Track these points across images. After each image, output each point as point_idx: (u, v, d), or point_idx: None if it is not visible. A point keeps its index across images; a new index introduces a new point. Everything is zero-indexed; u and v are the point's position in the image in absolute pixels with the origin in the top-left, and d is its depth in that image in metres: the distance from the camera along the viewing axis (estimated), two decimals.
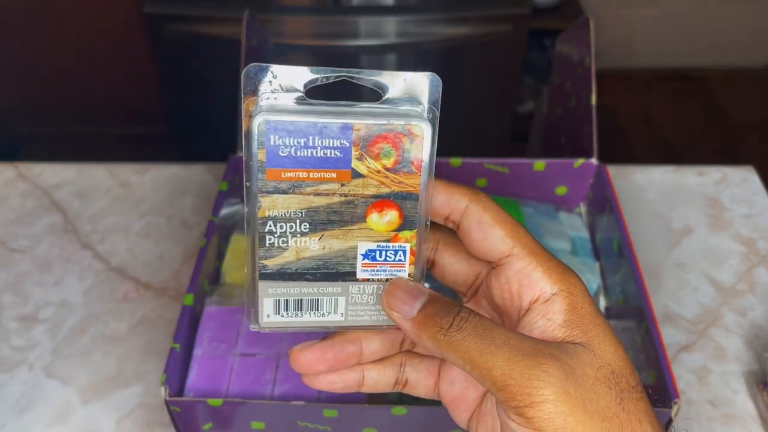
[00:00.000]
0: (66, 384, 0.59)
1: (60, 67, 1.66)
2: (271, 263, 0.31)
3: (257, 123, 0.28)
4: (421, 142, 0.30)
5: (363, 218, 0.31)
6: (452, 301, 0.30)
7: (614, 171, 0.73)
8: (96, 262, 0.70)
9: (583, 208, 0.70)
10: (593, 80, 0.65)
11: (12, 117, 1.76)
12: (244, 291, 0.32)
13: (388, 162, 0.30)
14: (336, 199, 0.30)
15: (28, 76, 1.69)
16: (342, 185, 0.30)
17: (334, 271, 0.31)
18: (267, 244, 0.31)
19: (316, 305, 0.32)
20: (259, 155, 0.29)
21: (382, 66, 1.40)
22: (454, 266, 0.33)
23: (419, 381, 0.34)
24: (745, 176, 0.80)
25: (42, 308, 0.65)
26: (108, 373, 0.60)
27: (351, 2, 1.34)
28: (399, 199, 0.30)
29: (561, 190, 0.69)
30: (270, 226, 0.30)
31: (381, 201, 0.30)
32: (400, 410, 0.46)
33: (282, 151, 0.29)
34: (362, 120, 0.29)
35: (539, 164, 0.67)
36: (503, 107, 1.56)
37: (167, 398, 0.47)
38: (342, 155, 0.29)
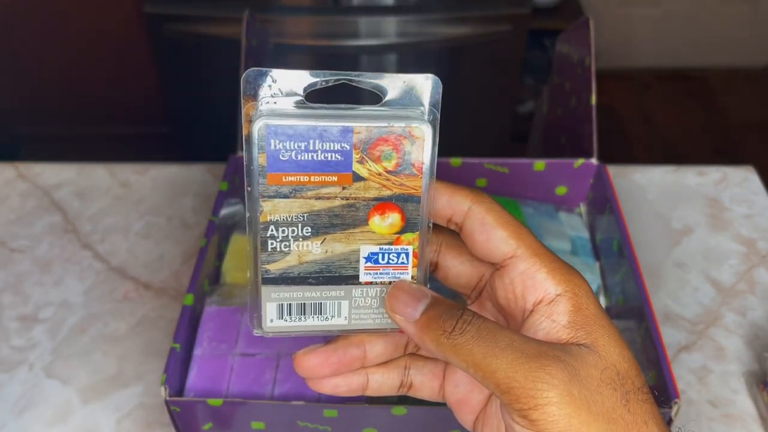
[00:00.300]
0: (66, 384, 0.59)
1: (60, 67, 1.66)
2: (274, 268, 0.31)
3: (257, 127, 0.28)
4: (422, 144, 0.29)
5: (365, 221, 0.30)
6: (455, 303, 0.30)
7: (614, 171, 0.73)
8: (96, 262, 0.70)
9: (583, 208, 0.70)
10: (593, 80, 0.65)
11: (12, 117, 1.76)
12: (246, 295, 0.32)
13: (389, 164, 0.30)
14: (337, 202, 0.30)
15: (28, 76, 1.69)
16: (343, 188, 0.30)
17: (337, 275, 0.31)
18: (269, 249, 0.30)
19: (319, 309, 0.32)
20: (260, 160, 0.29)
21: (382, 66, 1.40)
22: (457, 268, 0.33)
23: (424, 384, 0.34)
24: (745, 176, 0.80)
25: (42, 308, 0.65)
26: (108, 373, 0.60)
27: (351, 2, 1.34)
28: (401, 202, 0.30)
29: (561, 190, 0.69)
30: (272, 230, 0.30)
31: (383, 204, 0.30)
32: (400, 410, 0.46)
33: (283, 156, 0.29)
34: (362, 123, 0.29)
35: (539, 164, 0.67)
36: (503, 107, 1.56)
37: (167, 398, 0.47)
38: (343, 158, 0.29)
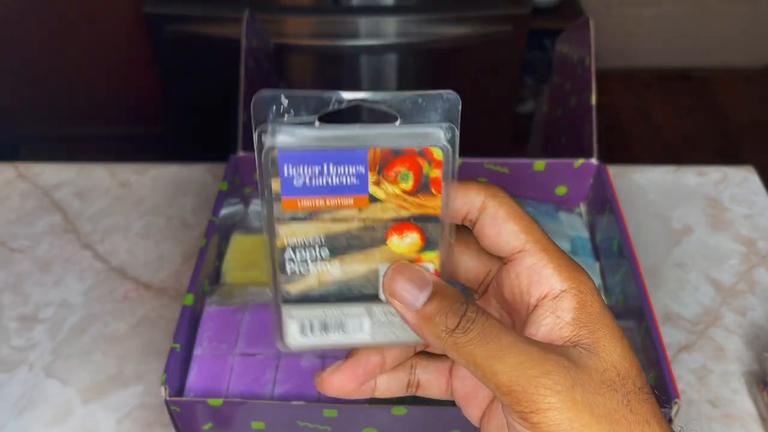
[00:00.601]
0: (66, 384, 0.59)
1: (60, 67, 1.65)
2: (294, 289, 0.30)
3: (270, 153, 0.28)
4: (440, 165, 0.29)
5: (383, 241, 0.30)
6: (460, 295, 0.30)
7: (614, 171, 0.73)
8: (96, 262, 0.70)
9: (583, 208, 0.70)
10: (593, 80, 0.65)
11: (12, 117, 1.76)
12: (270, 310, 0.32)
13: (407, 185, 0.29)
14: (355, 224, 0.30)
15: (28, 76, 1.69)
16: (360, 210, 0.29)
17: (357, 294, 0.31)
18: (288, 272, 0.30)
19: (341, 326, 0.31)
20: (274, 186, 0.28)
21: (381, 66, 1.40)
22: (466, 263, 0.33)
23: (431, 382, 0.34)
24: (745, 176, 0.80)
25: (42, 308, 0.65)
26: (108, 373, 0.60)
27: (351, 2, 1.34)
28: (420, 222, 0.30)
29: (561, 190, 0.69)
30: (290, 253, 0.30)
31: (401, 224, 0.30)
32: (400, 410, 0.46)
33: (297, 181, 0.28)
34: (377, 144, 0.28)
35: (539, 164, 0.67)
36: (503, 107, 1.56)
37: (167, 398, 0.47)
38: (358, 181, 0.29)
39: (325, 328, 0.31)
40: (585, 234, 0.67)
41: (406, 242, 0.30)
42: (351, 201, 0.29)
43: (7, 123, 1.77)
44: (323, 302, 0.31)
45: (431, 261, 0.30)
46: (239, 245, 0.63)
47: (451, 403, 0.45)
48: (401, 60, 1.40)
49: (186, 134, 1.64)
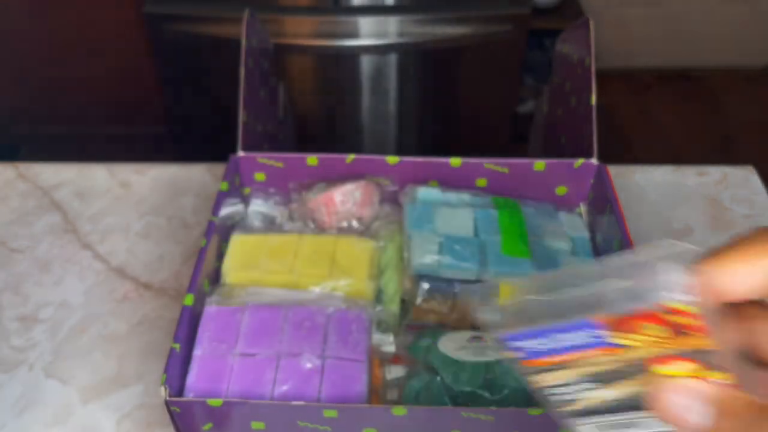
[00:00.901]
0: (66, 384, 0.59)
1: (60, 67, 1.66)
2: (575, 407, 0.29)
3: (494, 339, 0.28)
4: (689, 311, 0.23)
5: (648, 369, 0.25)
6: (757, 411, 0.23)
7: (614, 171, 0.73)
8: (96, 262, 0.70)
9: (583, 208, 0.70)
10: (593, 80, 0.65)
11: (12, 117, 1.76)
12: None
13: (657, 331, 0.24)
14: (613, 364, 0.26)
15: (28, 76, 1.69)
16: (612, 355, 0.26)
17: (641, 403, 0.27)
18: (557, 402, 0.29)
19: (635, 424, 0.29)
20: (508, 355, 0.28)
21: (382, 66, 1.40)
22: None
23: None
24: (745, 176, 0.80)
25: (42, 308, 0.65)
26: (108, 373, 0.60)
27: (351, 2, 1.34)
28: (691, 355, 0.24)
29: (561, 190, 0.69)
30: (549, 391, 0.29)
31: (665, 357, 0.25)
32: (400, 410, 0.46)
33: (531, 349, 0.27)
34: (594, 311, 0.24)
35: (539, 164, 0.67)
36: (503, 107, 1.56)
37: (167, 398, 0.47)
38: (596, 339, 0.25)
39: (625, 425, 0.29)
40: (585, 234, 0.67)
41: (677, 368, 0.25)
42: (597, 352, 0.25)
43: (7, 123, 1.77)
44: (608, 412, 0.28)
45: (721, 378, 0.24)
46: (239, 245, 0.63)
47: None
48: (401, 60, 1.40)
49: (186, 134, 1.64)
